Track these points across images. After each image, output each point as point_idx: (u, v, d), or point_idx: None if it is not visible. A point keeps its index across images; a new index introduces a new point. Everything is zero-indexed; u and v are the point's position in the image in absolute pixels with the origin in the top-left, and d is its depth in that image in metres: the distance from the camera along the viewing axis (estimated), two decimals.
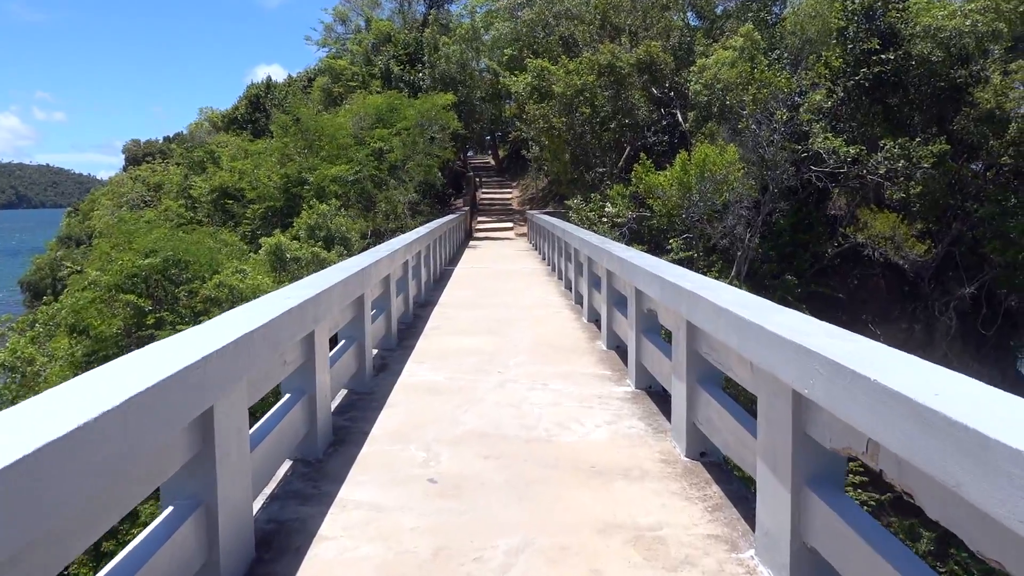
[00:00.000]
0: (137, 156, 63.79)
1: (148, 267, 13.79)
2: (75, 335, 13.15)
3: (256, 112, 33.48)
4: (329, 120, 22.96)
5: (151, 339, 12.96)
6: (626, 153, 23.71)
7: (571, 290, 11.23)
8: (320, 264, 15.95)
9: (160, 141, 65.77)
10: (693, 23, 27.88)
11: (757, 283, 18.80)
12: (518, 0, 30.59)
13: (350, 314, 5.87)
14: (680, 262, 18.90)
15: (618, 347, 7.21)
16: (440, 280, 13.70)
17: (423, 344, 7.68)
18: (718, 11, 27.61)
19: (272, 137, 24.36)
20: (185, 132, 58.29)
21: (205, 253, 14.47)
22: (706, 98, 19.39)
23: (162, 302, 13.89)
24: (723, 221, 16.21)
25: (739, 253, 16.78)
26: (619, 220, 19.92)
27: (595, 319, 8.87)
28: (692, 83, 19.94)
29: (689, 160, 15.02)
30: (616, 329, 7.17)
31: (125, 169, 65.65)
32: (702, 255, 17.76)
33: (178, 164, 27.92)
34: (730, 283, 17.57)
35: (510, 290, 12.24)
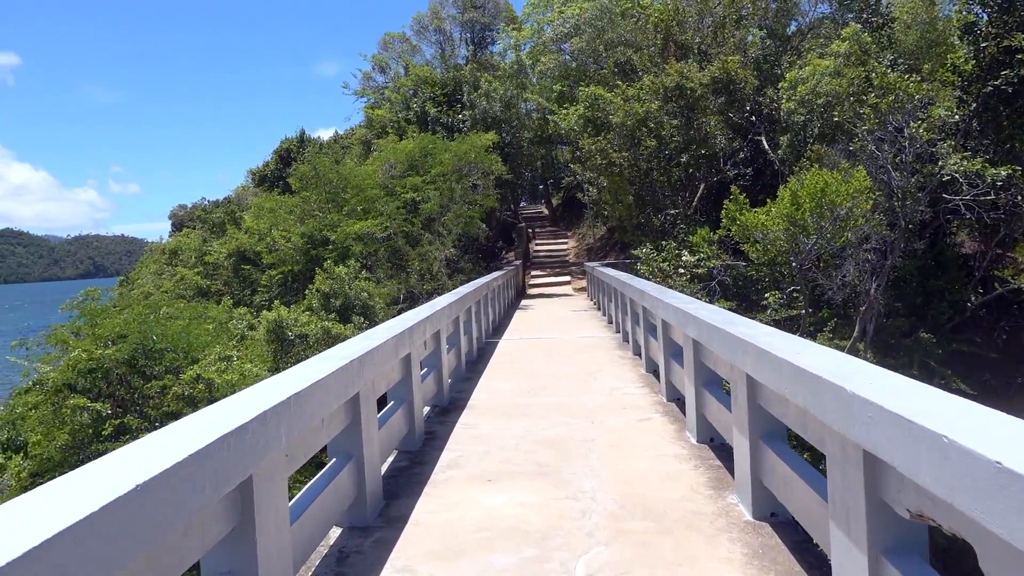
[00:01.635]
0: (183, 221, 63.37)
1: (111, 359, 11.03)
2: (9, 453, 10.44)
3: (287, 167, 31.50)
4: (354, 169, 20.44)
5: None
6: (700, 191, 20.42)
7: (658, 377, 7.97)
8: (331, 342, 13.03)
9: (205, 204, 65.30)
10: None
11: (883, 343, 15.06)
12: (564, 31, 27.92)
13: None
14: (782, 324, 15.33)
15: (775, 516, 3.97)
16: (478, 361, 10.56)
17: (423, 512, 4.50)
18: (791, 29, 24.44)
19: (293, 193, 21.97)
20: (232, 195, 57.56)
21: (185, 337, 11.68)
22: (803, 117, 16.09)
23: (126, 404, 11.07)
24: (840, 269, 12.71)
25: (863, 308, 13.18)
26: (699, 271, 16.54)
27: (710, 439, 5.61)
28: (784, 101, 16.66)
29: (800, 191, 11.62)
30: (776, 483, 3.91)
31: (171, 235, 65.38)
32: (810, 312, 14.19)
33: (197, 228, 25.83)
34: (852, 348, 13.93)
35: (570, 376, 9.00)
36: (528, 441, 6.02)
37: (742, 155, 19.82)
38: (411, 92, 32.63)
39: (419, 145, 20.83)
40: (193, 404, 10.65)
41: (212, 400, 10.50)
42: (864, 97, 13.49)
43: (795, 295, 15.52)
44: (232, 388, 10.26)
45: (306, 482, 3.99)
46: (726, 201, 13.11)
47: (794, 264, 12.46)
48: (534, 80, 31.72)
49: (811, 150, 14.51)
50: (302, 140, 33.96)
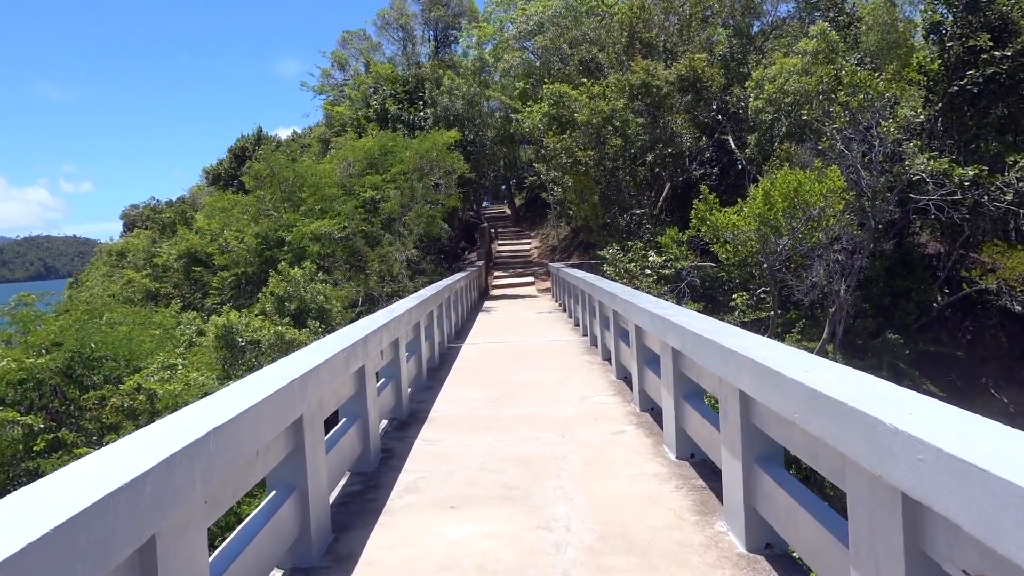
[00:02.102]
0: (135, 221, 61.37)
1: (44, 368, 10.27)
2: None
3: (242, 166, 30.53)
4: (311, 167, 19.71)
5: (36, 474, 9.41)
6: (666, 191, 20.16)
7: (630, 385, 7.58)
8: (285, 347, 12.43)
9: (161, 204, 63.12)
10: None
11: (850, 344, 14.93)
12: (528, 28, 27.48)
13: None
14: (749, 326, 15.11)
15: (771, 548, 3.56)
16: (440, 368, 10.06)
17: (377, 548, 4.01)
18: (755, 29, 24.34)
19: (248, 192, 21.13)
20: (187, 195, 55.86)
21: (127, 344, 10.94)
22: (770, 116, 15.89)
23: (61, 416, 10.32)
24: (809, 270, 12.49)
25: (831, 309, 12.99)
26: (666, 272, 16.25)
27: (691, 454, 5.24)
28: (751, 100, 16.45)
29: (772, 190, 11.34)
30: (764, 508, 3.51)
31: (123, 236, 63.20)
32: (779, 314, 13.96)
33: (146, 228, 24.80)
34: (821, 350, 13.75)
35: (538, 384, 8.54)
36: (495, 459, 5.55)
37: (708, 154, 19.61)
38: (371, 89, 31.91)
39: (379, 143, 20.21)
40: (134, 416, 9.96)
41: (154, 413, 9.83)
42: (834, 96, 13.31)
43: (763, 296, 15.32)
44: (175, 399, 9.61)
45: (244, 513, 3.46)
46: (696, 201, 12.79)
47: (764, 265, 12.21)
48: (497, 78, 31.26)
49: (781, 149, 14.31)
50: (259, 138, 32.97)
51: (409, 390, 8.08)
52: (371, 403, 5.45)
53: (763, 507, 3.61)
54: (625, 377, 8.44)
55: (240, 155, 31.34)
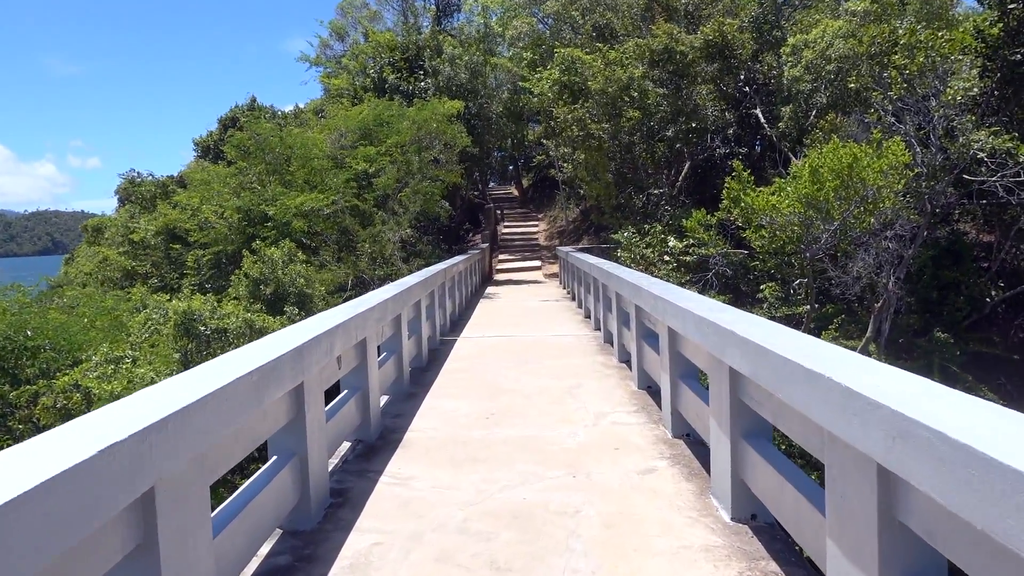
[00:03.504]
0: (131, 195, 59.93)
1: None
2: None
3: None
4: (299, 136, 18.17)
5: None
6: (685, 170, 18.58)
7: (657, 400, 6.17)
8: (255, 336, 10.96)
9: (142, 176, 61.32)
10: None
11: (892, 343, 13.42)
12: None
13: None
14: (782, 322, 13.61)
15: None
16: (428, 368, 8.63)
17: None
18: None
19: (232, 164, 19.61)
20: (185, 169, 54.31)
21: (64, 332, 9.52)
22: (808, 86, 14.27)
23: None
24: (854, 259, 10.94)
25: (877, 304, 11.46)
26: (687, 258, 14.74)
27: (752, 514, 3.80)
28: (787, 67, 14.81)
29: (822, 166, 9.71)
30: None
31: (116, 211, 61.85)
32: (815, 309, 12.45)
33: (125, 202, 23.34)
34: (864, 349, 12.24)
35: (543, 393, 7.11)
36: (482, 512, 4.11)
37: (732, 130, 17.99)
38: (370, 60, 30.29)
39: (374, 112, 18.65)
40: (70, 419, 8.55)
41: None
42: (887, 60, 11.69)
43: (797, 289, 13.81)
44: (115, 399, 8.17)
45: None
46: (727, 179, 11.21)
47: (807, 255, 10.66)
48: (504, 50, 29.58)
49: (825, 121, 12.68)
50: (253, 108, 31.36)
51: (384, 401, 6.66)
52: (313, 434, 4.01)
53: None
54: (650, 387, 7.00)
55: (231, 126, 29.79)
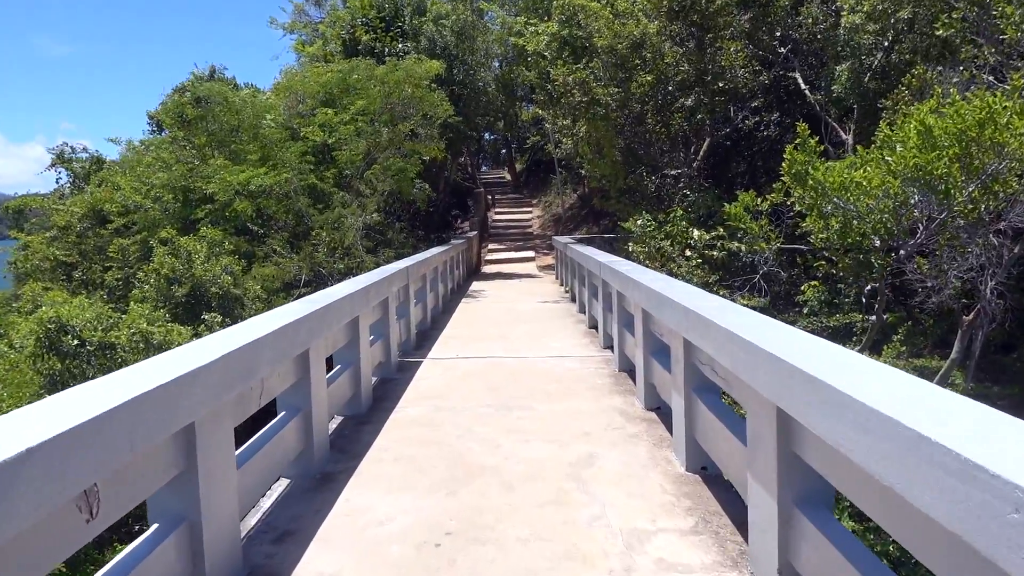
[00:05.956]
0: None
1: None
2: None
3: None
4: (248, 99, 15.42)
5: None
6: (705, 146, 15.92)
7: (715, 481, 3.56)
8: (153, 353, 8.25)
9: (91, 154, 57.83)
10: None
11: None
12: None
13: None
14: (832, 335, 11.03)
15: None
16: (365, 419, 5.99)
17: None
18: None
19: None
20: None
21: None
22: (871, 39, 11.61)
23: None
24: (944, 257, 8.31)
25: (968, 316, 8.89)
26: (713, 253, 12.13)
27: None
28: (844, 14, 12.12)
29: (936, 125, 7.00)
30: None
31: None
32: (882, 320, 9.83)
33: (58, 181, 20.51)
34: (948, 373, 9.64)
35: (530, 476, 4.55)
36: None
37: (760, 99, 15.30)
38: (347, 25, 27.44)
39: (338, 75, 15.86)
40: None
41: None
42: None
43: (849, 293, 11.22)
44: None
45: None
46: (789, 149, 8.50)
47: (901, 251, 8.00)
48: (493, 17, 26.75)
49: (911, 76, 9.99)
50: (212, 79, 28.41)
51: (264, 510, 4.04)
52: None
53: None
54: (704, 468, 4.44)
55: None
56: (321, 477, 4.52)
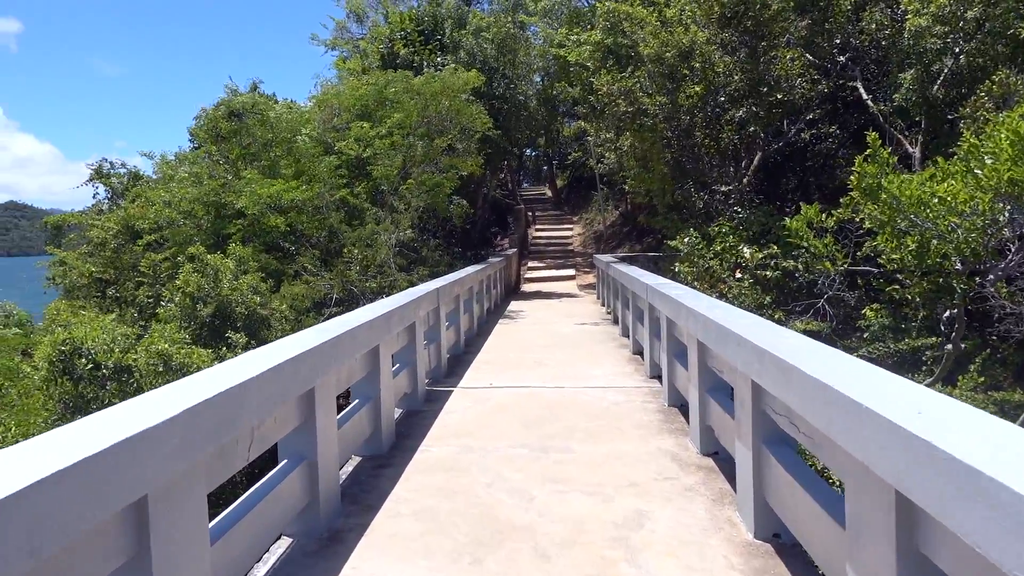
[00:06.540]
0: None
1: None
2: None
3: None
4: (284, 111, 15.14)
5: None
6: (756, 161, 15.12)
7: (791, 552, 2.85)
8: (172, 376, 7.86)
9: (112, 167, 58.70)
10: None
11: None
12: None
13: None
14: (899, 362, 10.17)
15: None
16: (386, 461, 5.41)
17: None
18: None
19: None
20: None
21: None
22: (939, 43, 10.78)
23: None
24: None
25: None
26: (766, 274, 11.35)
27: None
28: (910, 17, 11.30)
29: None
30: None
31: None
32: (959, 348, 8.96)
33: (96, 196, 20.53)
34: None
35: (569, 540, 3.90)
36: None
37: (817, 111, 14.47)
38: (386, 40, 27.27)
39: (374, 87, 15.48)
40: None
41: None
42: None
43: (915, 317, 10.33)
44: None
45: None
46: (858, 160, 7.74)
47: (990, 276, 7.18)
48: (535, 28, 26.31)
49: (991, 82, 9.17)
50: (253, 92, 28.42)
51: (261, 569, 3.46)
52: None
53: None
54: (777, 535, 3.74)
55: (234, 115, 26.90)
56: (328, 536, 3.92)
